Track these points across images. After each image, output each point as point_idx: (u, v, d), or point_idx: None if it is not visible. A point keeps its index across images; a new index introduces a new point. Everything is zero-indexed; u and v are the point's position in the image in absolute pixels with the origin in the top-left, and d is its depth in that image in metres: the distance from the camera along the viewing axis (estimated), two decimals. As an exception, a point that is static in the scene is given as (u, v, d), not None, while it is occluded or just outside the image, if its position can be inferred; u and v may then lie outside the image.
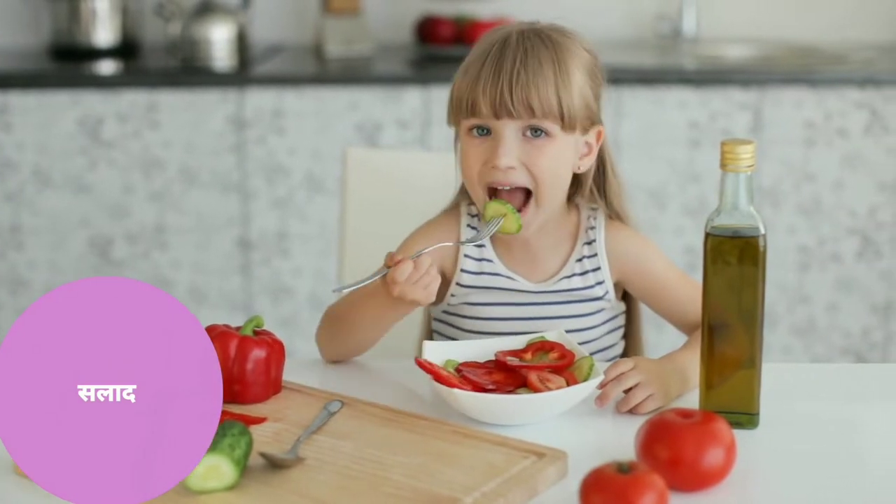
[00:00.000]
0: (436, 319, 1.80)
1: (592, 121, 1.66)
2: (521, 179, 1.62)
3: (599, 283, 1.72)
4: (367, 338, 1.68)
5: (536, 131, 1.61)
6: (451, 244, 1.68)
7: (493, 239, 1.72)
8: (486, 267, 1.72)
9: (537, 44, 1.62)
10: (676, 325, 1.75)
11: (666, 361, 1.58)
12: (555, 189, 1.65)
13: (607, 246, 1.72)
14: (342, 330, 1.67)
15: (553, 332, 1.60)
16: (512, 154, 1.60)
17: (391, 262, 1.56)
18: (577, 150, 1.66)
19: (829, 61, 3.33)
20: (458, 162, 1.73)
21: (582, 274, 1.72)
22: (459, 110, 1.63)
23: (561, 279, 1.72)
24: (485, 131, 1.63)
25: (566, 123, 1.61)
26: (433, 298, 1.58)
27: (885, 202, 3.18)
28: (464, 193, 1.75)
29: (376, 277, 1.57)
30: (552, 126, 1.61)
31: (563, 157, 1.64)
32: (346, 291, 1.57)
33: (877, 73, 3.16)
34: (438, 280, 1.58)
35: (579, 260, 1.72)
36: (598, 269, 1.72)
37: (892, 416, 1.53)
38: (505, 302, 1.72)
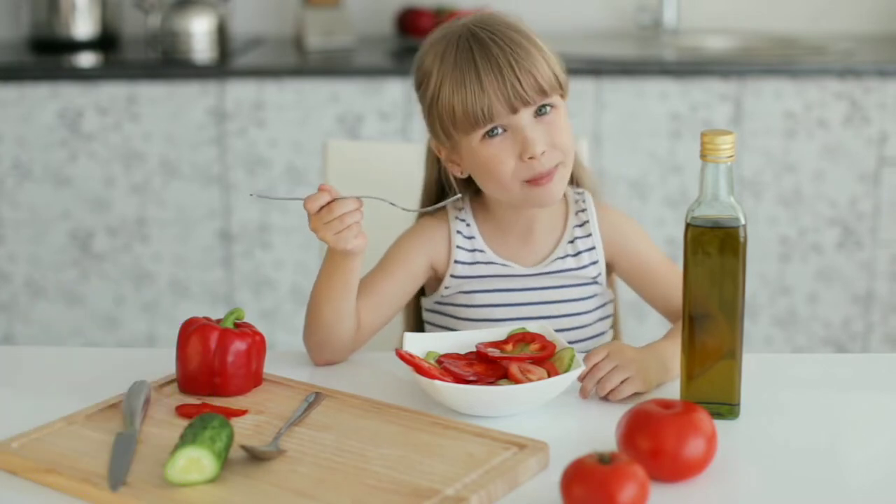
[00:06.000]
0: (428, 310, 1.80)
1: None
2: (556, 157, 1.63)
3: (594, 262, 1.74)
4: (332, 311, 1.62)
5: (542, 109, 1.63)
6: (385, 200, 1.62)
7: (483, 228, 1.74)
8: (478, 257, 1.73)
9: (506, 30, 1.63)
10: (660, 310, 1.76)
11: (646, 349, 1.58)
12: (574, 152, 1.67)
13: (599, 225, 1.74)
14: (311, 310, 1.65)
15: (534, 323, 1.61)
16: (540, 138, 1.61)
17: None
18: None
19: (809, 52, 3.33)
20: (437, 169, 1.73)
21: (575, 255, 1.73)
22: (470, 122, 1.62)
23: (554, 260, 1.73)
24: (497, 131, 1.63)
25: (564, 90, 1.65)
26: (345, 246, 1.55)
27: (865, 193, 3.19)
28: (430, 195, 1.76)
29: (293, 198, 1.62)
30: (556, 98, 1.64)
31: (568, 121, 1.67)
32: (261, 196, 1.62)
33: (856, 63, 3.17)
34: (354, 231, 1.55)
35: (571, 241, 1.73)
36: (593, 248, 1.74)
37: (872, 406, 1.53)
38: (499, 288, 1.73)
